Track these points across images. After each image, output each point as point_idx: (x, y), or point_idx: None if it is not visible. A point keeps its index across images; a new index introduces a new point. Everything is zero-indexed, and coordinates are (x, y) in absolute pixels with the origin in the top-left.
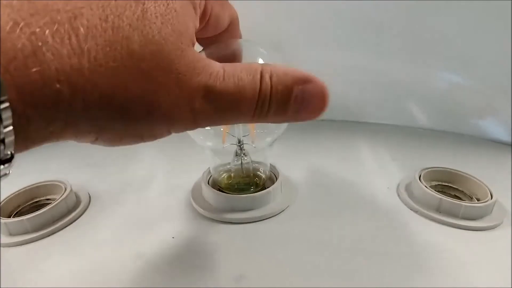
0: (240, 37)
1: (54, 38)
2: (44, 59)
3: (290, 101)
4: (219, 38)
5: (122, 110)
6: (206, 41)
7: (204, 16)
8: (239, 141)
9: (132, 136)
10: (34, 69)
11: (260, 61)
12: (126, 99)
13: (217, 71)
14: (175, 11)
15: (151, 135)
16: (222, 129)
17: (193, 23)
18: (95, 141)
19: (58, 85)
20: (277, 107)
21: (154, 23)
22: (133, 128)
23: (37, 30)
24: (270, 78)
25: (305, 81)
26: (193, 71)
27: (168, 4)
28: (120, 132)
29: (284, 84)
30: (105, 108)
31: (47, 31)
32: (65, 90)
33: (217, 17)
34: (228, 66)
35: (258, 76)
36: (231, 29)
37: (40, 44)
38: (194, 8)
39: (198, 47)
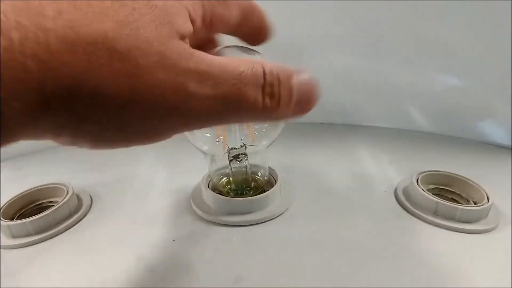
0: (262, 23)
1: (18, 15)
2: (8, 34)
3: (293, 90)
4: (235, 31)
5: (100, 91)
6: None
7: (205, 20)
8: (231, 151)
9: (118, 131)
10: None
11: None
12: (104, 80)
13: (211, 58)
14: (156, 7)
15: (144, 131)
16: (221, 137)
17: (182, 22)
18: (75, 135)
19: (22, 58)
20: (284, 95)
21: (132, 13)
22: (117, 117)
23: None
24: (269, 67)
25: (297, 72)
26: (180, 56)
27: (149, 2)
28: (103, 123)
29: (284, 73)
30: (80, 90)
31: (9, 8)
32: (31, 64)
33: (221, 17)
34: (221, 57)
35: (257, 65)
36: (245, 19)
37: (4, 18)
38: (183, 9)
39: None
